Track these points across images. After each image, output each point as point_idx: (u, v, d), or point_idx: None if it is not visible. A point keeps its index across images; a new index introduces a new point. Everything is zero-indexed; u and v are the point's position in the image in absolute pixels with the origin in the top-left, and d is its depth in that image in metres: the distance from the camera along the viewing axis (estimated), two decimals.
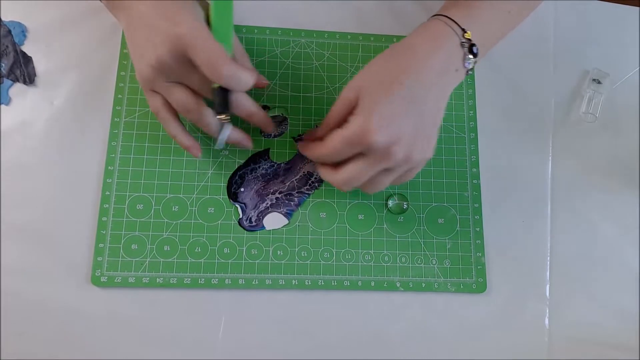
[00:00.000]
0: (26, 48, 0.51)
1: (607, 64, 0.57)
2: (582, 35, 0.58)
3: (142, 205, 0.48)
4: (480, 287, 0.49)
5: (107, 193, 0.48)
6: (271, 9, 0.55)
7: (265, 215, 0.49)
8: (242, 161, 0.50)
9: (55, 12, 0.52)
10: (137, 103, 0.50)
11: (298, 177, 0.50)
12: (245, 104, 0.44)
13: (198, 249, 0.47)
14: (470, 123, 0.53)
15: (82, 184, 0.48)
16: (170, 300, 0.46)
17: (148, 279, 0.46)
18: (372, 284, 0.48)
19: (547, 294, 0.50)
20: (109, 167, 0.48)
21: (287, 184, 0.50)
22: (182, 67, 0.40)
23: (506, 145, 0.54)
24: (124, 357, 0.45)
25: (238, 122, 0.48)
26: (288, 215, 0.49)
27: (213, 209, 0.48)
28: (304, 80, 0.53)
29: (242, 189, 0.49)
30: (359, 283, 0.48)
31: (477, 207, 0.51)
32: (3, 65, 0.50)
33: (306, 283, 0.48)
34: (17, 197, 0.47)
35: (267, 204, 0.49)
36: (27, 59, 0.50)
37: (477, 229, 0.51)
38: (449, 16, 0.44)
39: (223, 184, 0.49)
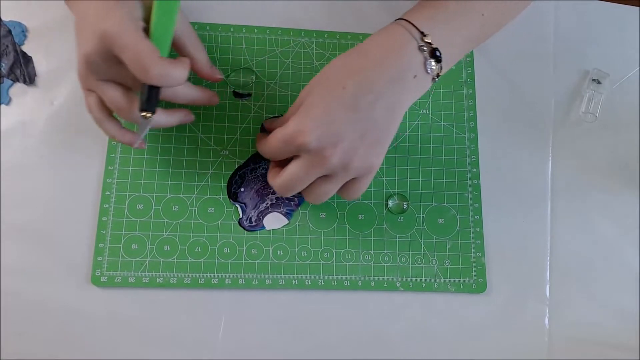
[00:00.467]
0: (26, 48, 0.51)
1: (607, 64, 0.57)
2: (582, 35, 0.58)
3: (142, 205, 0.48)
4: (480, 287, 0.49)
5: (107, 193, 0.48)
6: (271, 9, 0.55)
7: (266, 215, 0.49)
8: (242, 161, 0.50)
9: (55, 12, 0.52)
10: None
11: None
12: (185, 94, 0.43)
13: (198, 249, 0.47)
14: (470, 123, 0.53)
15: (82, 184, 0.48)
16: (170, 300, 0.46)
17: (148, 279, 0.46)
18: (372, 284, 0.48)
19: (547, 294, 0.50)
20: (109, 167, 0.48)
21: None
22: (110, 64, 0.39)
23: (506, 145, 0.54)
24: (124, 357, 0.45)
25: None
26: (288, 215, 0.49)
27: (213, 209, 0.48)
28: (304, 80, 0.53)
29: (242, 189, 0.49)
30: (359, 283, 0.48)
31: (477, 207, 0.51)
32: (3, 65, 0.50)
33: (306, 283, 0.48)
34: (17, 197, 0.47)
35: (267, 203, 0.49)
36: (27, 59, 0.50)
37: (477, 229, 0.51)
38: (409, 19, 0.42)
39: (223, 184, 0.49)
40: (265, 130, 0.47)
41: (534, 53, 0.57)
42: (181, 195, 0.49)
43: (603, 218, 0.53)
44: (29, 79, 0.50)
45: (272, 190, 0.49)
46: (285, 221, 0.49)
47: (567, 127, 0.55)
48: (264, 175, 0.50)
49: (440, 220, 0.51)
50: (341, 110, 0.40)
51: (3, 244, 0.46)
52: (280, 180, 0.42)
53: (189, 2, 0.53)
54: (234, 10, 0.54)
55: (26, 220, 0.47)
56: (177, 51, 0.44)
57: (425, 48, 0.41)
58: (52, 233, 0.47)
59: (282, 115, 0.47)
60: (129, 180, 0.48)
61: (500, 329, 0.49)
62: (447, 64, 0.43)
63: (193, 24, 0.52)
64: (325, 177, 0.42)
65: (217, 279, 0.47)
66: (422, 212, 0.51)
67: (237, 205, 0.49)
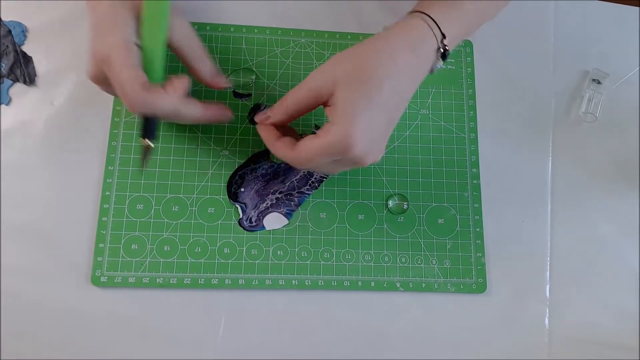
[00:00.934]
0: (26, 48, 0.51)
1: (607, 64, 0.57)
2: (582, 35, 0.58)
3: (142, 205, 0.48)
4: (480, 287, 0.49)
5: (107, 193, 0.48)
6: (271, 9, 0.55)
7: (266, 215, 0.49)
8: (242, 161, 0.50)
9: (55, 12, 0.52)
10: None
11: (298, 177, 0.50)
12: (189, 114, 0.41)
13: (198, 249, 0.47)
14: (470, 123, 0.53)
15: (82, 184, 0.48)
16: (170, 300, 0.46)
17: (148, 279, 0.46)
18: (372, 284, 0.48)
19: (547, 294, 0.50)
20: (109, 167, 0.48)
21: (287, 184, 0.50)
22: (110, 83, 0.39)
23: (506, 145, 0.54)
24: (124, 357, 0.45)
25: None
26: (288, 215, 0.49)
27: (213, 209, 0.48)
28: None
29: (242, 189, 0.49)
30: (359, 283, 0.48)
31: (477, 207, 0.51)
32: (3, 65, 0.50)
33: (306, 283, 0.48)
34: (17, 197, 0.47)
35: (267, 204, 0.49)
36: (27, 59, 0.50)
37: (477, 229, 0.51)
38: (431, 16, 0.41)
39: (223, 184, 0.49)
40: (254, 122, 0.45)
41: (534, 53, 0.57)
42: (181, 196, 0.49)
43: (603, 218, 0.53)
44: (29, 79, 0.50)
45: (272, 190, 0.49)
46: (285, 221, 0.49)
47: (567, 127, 0.55)
48: (264, 176, 0.50)
49: (440, 221, 0.51)
50: (379, 115, 0.39)
51: (3, 244, 0.46)
52: (302, 160, 0.40)
53: (190, 2, 0.53)
54: (234, 10, 0.54)
55: (26, 220, 0.47)
56: (179, 60, 0.44)
57: (442, 50, 0.42)
58: (52, 233, 0.47)
59: (268, 105, 0.44)
60: (129, 180, 0.48)
61: (500, 329, 0.49)
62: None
63: (193, 24, 0.52)
64: (337, 161, 0.41)
65: (217, 279, 0.47)
66: (422, 212, 0.51)
67: (237, 205, 0.49)
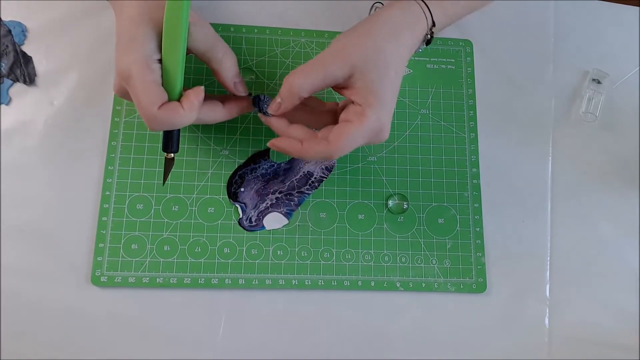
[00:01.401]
0: (26, 48, 0.51)
1: (607, 64, 0.57)
2: (582, 35, 0.58)
3: (142, 205, 0.48)
4: (480, 287, 0.49)
5: (107, 193, 0.48)
6: (271, 9, 0.55)
7: (265, 215, 0.49)
8: (242, 161, 0.50)
9: (55, 12, 0.52)
10: None
11: (298, 177, 0.50)
12: (211, 118, 0.42)
13: (198, 249, 0.47)
14: (470, 123, 0.53)
15: (82, 184, 0.48)
16: (170, 300, 0.46)
17: (148, 279, 0.46)
18: (372, 284, 0.48)
19: (547, 294, 0.50)
20: (109, 167, 0.48)
21: (287, 184, 0.50)
22: None
23: (506, 145, 0.54)
24: (124, 357, 0.45)
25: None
26: (288, 215, 0.49)
27: (213, 209, 0.48)
28: None
29: (242, 189, 0.49)
30: (359, 283, 0.48)
31: (477, 207, 0.51)
32: (3, 65, 0.50)
33: (306, 283, 0.48)
34: (17, 197, 0.47)
35: (267, 203, 0.49)
36: (27, 59, 0.50)
37: (477, 229, 0.51)
38: (427, 4, 0.44)
39: (223, 184, 0.49)
40: (259, 109, 0.44)
41: (534, 53, 0.57)
42: (181, 195, 0.49)
43: (603, 218, 0.53)
44: (29, 79, 0.50)
45: (272, 190, 0.49)
46: (285, 221, 0.49)
47: (567, 127, 0.55)
48: (264, 175, 0.50)
49: (440, 220, 0.51)
50: (394, 94, 0.41)
51: (3, 244, 0.46)
52: (343, 150, 0.40)
53: (190, 2, 0.53)
54: (234, 10, 0.54)
55: (26, 220, 0.47)
56: (205, 64, 0.43)
57: (429, 37, 0.44)
58: (52, 233, 0.47)
59: (267, 96, 0.43)
60: (129, 180, 0.48)
61: (500, 329, 0.49)
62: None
63: None
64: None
65: (217, 279, 0.47)
66: (422, 212, 0.51)
67: (237, 205, 0.49)
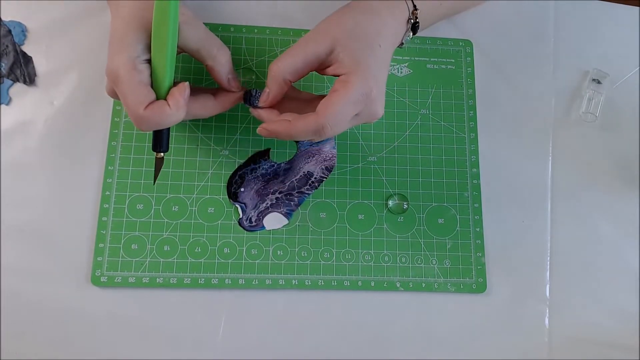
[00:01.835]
0: (26, 48, 0.51)
1: (607, 64, 0.57)
2: (582, 35, 0.58)
3: (142, 205, 0.48)
4: (480, 287, 0.49)
5: (107, 193, 0.48)
6: (271, 9, 0.55)
7: (265, 215, 0.49)
8: (242, 161, 0.50)
9: (55, 12, 0.52)
10: None
11: (298, 177, 0.50)
12: (206, 112, 0.43)
13: (198, 249, 0.47)
14: (470, 123, 0.53)
15: (82, 184, 0.48)
16: (170, 300, 0.46)
17: (148, 279, 0.46)
18: (372, 284, 0.48)
19: (547, 294, 0.50)
20: (109, 167, 0.48)
21: (287, 184, 0.50)
22: None
23: (506, 145, 0.54)
24: (124, 357, 0.45)
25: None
26: (288, 215, 0.49)
27: (213, 209, 0.48)
28: (303, 80, 0.53)
29: (242, 189, 0.49)
30: (359, 283, 0.48)
31: (477, 207, 0.51)
32: (3, 65, 0.50)
33: (306, 283, 0.48)
34: (17, 197, 0.47)
35: (267, 204, 0.49)
36: (27, 59, 0.50)
37: (477, 229, 0.51)
38: None
39: (223, 184, 0.49)
40: (250, 104, 0.44)
41: (534, 53, 0.57)
42: (181, 195, 0.49)
43: (603, 218, 0.53)
44: (29, 79, 0.50)
45: (272, 190, 0.49)
46: (285, 221, 0.49)
47: (567, 127, 0.55)
48: (264, 175, 0.50)
49: (440, 220, 0.51)
50: (382, 67, 0.42)
51: (3, 244, 0.46)
52: (330, 120, 0.39)
53: (190, 2, 0.53)
54: (234, 10, 0.54)
55: (26, 220, 0.47)
56: (200, 62, 0.43)
57: (411, 21, 0.44)
58: (52, 233, 0.47)
59: (258, 90, 0.43)
60: (129, 180, 0.48)
61: (500, 329, 0.49)
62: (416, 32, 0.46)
63: None
64: (356, 116, 0.42)
65: (217, 279, 0.47)
66: (422, 212, 0.51)
67: (237, 205, 0.49)
